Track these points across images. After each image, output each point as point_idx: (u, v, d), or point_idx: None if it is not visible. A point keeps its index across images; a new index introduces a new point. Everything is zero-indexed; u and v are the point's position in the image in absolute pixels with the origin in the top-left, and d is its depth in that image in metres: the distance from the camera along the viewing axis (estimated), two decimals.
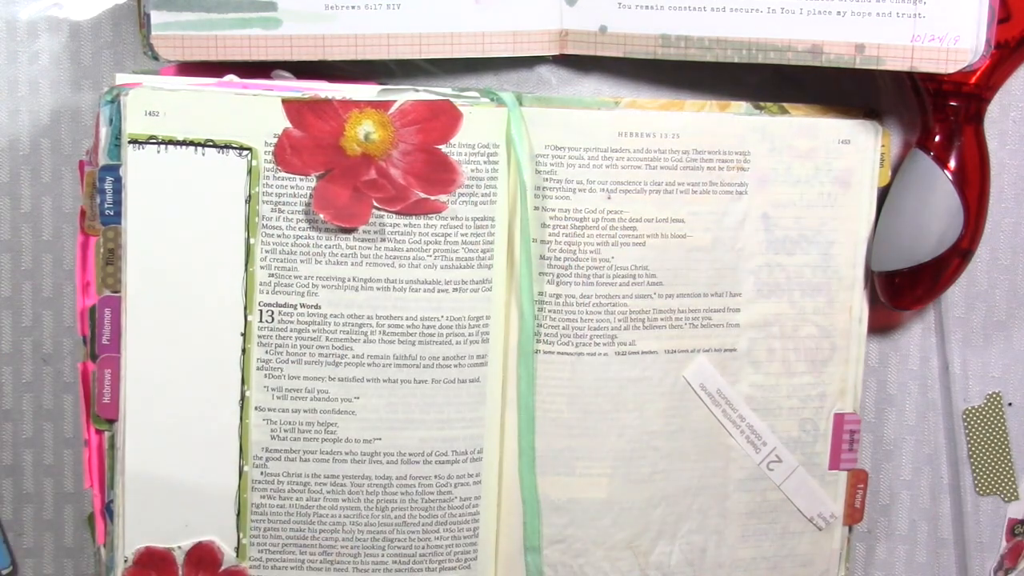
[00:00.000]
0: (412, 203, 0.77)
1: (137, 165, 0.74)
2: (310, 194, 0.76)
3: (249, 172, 0.75)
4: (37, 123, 0.83)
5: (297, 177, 0.76)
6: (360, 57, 0.79)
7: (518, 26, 0.80)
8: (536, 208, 0.79)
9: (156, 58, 0.77)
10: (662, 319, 0.81)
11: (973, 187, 0.79)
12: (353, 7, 0.78)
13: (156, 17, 0.77)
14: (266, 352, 0.77)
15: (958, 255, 0.79)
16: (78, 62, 0.82)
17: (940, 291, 0.81)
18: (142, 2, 0.77)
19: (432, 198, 0.77)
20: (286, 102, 0.75)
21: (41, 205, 0.83)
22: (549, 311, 0.80)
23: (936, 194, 0.78)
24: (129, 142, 0.74)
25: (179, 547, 0.78)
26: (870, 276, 0.83)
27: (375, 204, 0.76)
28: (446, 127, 0.77)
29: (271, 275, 0.76)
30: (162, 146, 0.74)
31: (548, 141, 0.78)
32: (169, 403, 0.77)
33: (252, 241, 0.76)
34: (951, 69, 0.73)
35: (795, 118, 0.81)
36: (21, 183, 0.83)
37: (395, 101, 0.76)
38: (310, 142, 0.75)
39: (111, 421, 0.76)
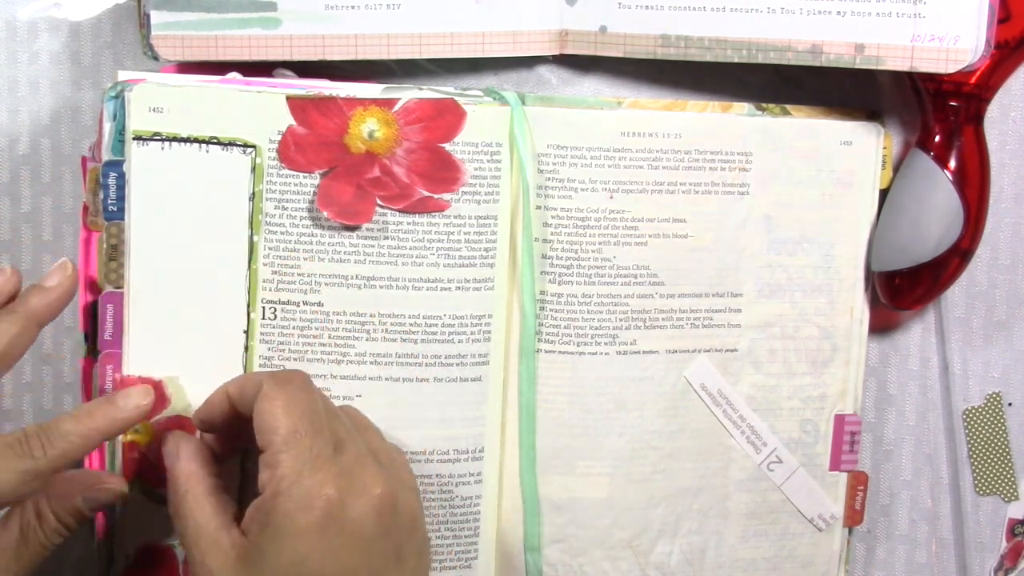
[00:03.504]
0: (415, 201, 0.77)
1: (141, 161, 0.74)
2: (314, 191, 0.76)
3: (253, 169, 0.75)
4: (37, 123, 0.83)
5: (301, 174, 0.76)
6: (360, 57, 0.79)
7: (518, 26, 0.80)
8: (538, 207, 0.79)
9: (156, 58, 0.77)
10: (663, 319, 0.81)
11: (973, 187, 0.79)
12: (353, 7, 0.78)
13: (156, 17, 0.76)
14: (268, 349, 0.77)
15: (958, 255, 0.80)
16: (78, 62, 0.82)
17: (940, 291, 0.82)
18: (142, 2, 0.77)
19: (435, 196, 0.77)
20: (291, 99, 0.75)
21: (41, 205, 0.83)
22: (551, 310, 0.80)
23: (936, 194, 0.78)
24: (133, 138, 0.74)
25: (180, 544, 0.78)
26: (871, 278, 0.83)
27: (378, 202, 0.76)
28: (450, 125, 0.77)
29: (274, 272, 0.76)
30: (166, 142, 0.74)
31: (551, 140, 0.79)
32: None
33: (255, 238, 0.76)
34: (951, 69, 0.74)
35: (797, 119, 0.81)
36: (21, 183, 0.83)
37: (399, 99, 0.76)
38: (314, 139, 0.75)
39: None
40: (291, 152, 0.75)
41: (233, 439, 0.73)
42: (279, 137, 0.75)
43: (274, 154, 0.75)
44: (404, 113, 0.76)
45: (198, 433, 0.73)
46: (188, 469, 0.68)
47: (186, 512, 0.66)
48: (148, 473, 0.76)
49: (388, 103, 0.76)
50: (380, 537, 0.65)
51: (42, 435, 0.65)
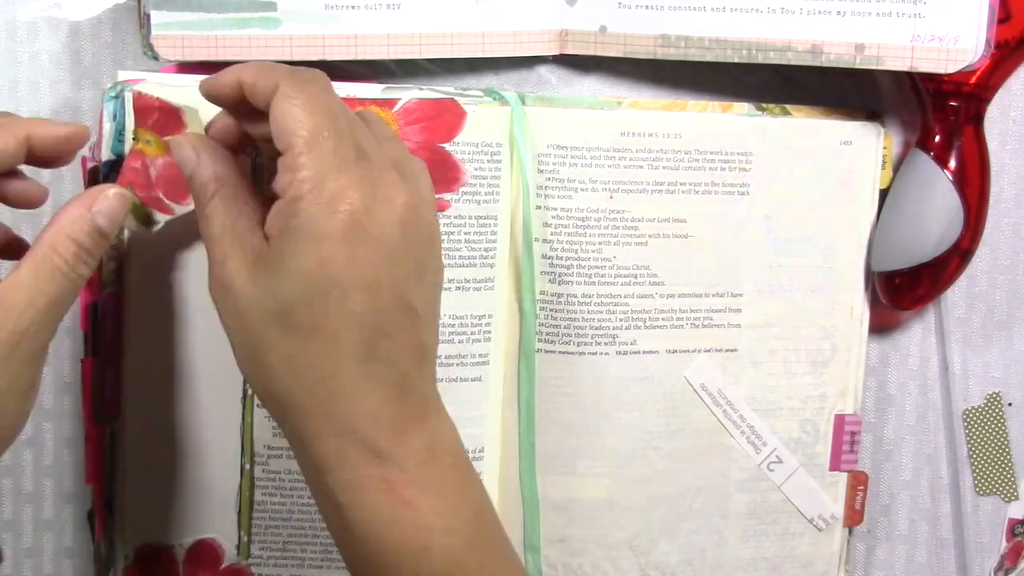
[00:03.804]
0: None
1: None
2: None
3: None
4: None
5: None
6: (360, 57, 0.79)
7: (518, 26, 0.80)
8: (538, 207, 0.79)
9: (156, 58, 0.77)
10: (663, 319, 0.81)
11: (973, 187, 0.79)
12: (353, 7, 0.78)
13: (156, 17, 0.76)
14: None
15: (958, 255, 0.80)
16: (78, 62, 0.82)
17: (940, 291, 0.82)
18: (142, 2, 0.76)
19: (436, 196, 0.77)
20: None
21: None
22: (551, 310, 0.80)
23: (936, 194, 0.78)
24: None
25: (180, 544, 0.78)
26: (871, 278, 0.83)
27: None
28: (450, 125, 0.77)
29: None
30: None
31: (551, 140, 0.79)
32: (171, 399, 0.76)
33: None
34: (951, 69, 0.74)
35: (797, 119, 0.81)
36: None
37: (399, 99, 0.76)
38: None
39: (112, 417, 0.76)
40: None
41: (238, 127, 0.68)
42: None
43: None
44: (404, 113, 0.76)
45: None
46: (215, 169, 0.64)
47: (213, 212, 0.63)
48: (144, 189, 0.73)
49: (388, 103, 0.76)
50: (403, 248, 0.61)
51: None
